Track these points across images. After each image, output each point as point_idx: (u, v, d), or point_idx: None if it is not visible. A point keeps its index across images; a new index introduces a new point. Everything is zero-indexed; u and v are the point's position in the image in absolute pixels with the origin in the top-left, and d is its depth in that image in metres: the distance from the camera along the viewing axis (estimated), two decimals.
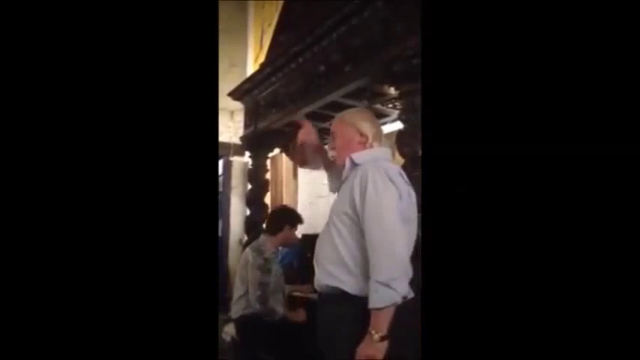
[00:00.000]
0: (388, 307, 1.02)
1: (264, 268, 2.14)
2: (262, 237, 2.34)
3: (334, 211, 1.22)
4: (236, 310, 2.23)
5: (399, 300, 1.02)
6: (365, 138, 1.28)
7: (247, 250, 2.28)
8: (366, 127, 1.29)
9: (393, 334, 1.05)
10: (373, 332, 1.03)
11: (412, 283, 1.09)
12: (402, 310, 1.06)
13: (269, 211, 2.97)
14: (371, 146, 1.28)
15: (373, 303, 1.03)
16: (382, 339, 1.03)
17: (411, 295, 1.06)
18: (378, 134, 1.31)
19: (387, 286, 1.01)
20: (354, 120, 1.32)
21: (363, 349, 1.04)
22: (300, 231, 2.47)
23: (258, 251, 2.20)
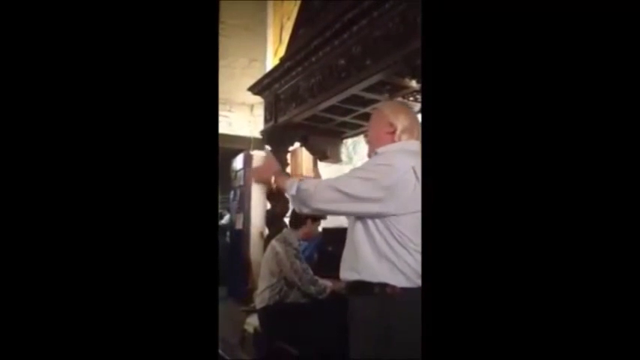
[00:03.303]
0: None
1: (299, 256, 2.27)
2: (286, 230, 2.43)
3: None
4: (261, 300, 2.28)
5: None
6: (393, 128, 1.28)
7: (274, 243, 2.33)
8: (398, 119, 1.29)
9: (393, 335, 1.10)
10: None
11: None
12: (401, 310, 1.10)
13: (289, 204, 3.00)
14: (399, 139, 1.27)
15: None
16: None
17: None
18: (411, 128, 1.29)
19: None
20: (389, 111, 1.34)
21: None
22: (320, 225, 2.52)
23: (287, 242, 2.29)
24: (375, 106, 1.48)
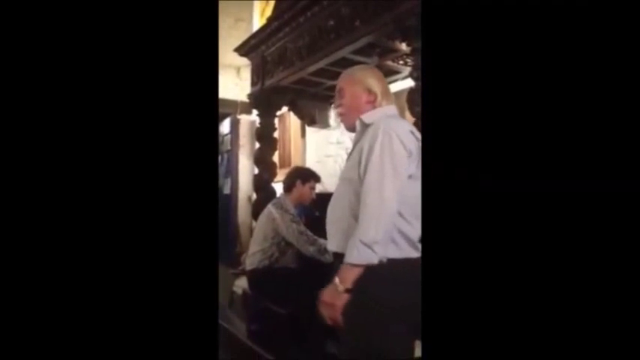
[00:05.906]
0: (362, 265, 1.05)
1: (295, 220, 2.26)
2: (282, 195, 2.44)
3: (346, 175, 1.20)
4: (251, 262, 2.31)
5: (375, 262, 1.04)
6: (374, 96, 1.24)
7: (270, 207, 2.34)
8: (375, 85, 1.25)
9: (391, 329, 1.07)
10: (339, 283, 1.07)
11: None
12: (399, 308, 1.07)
13: (277, 169, 3.01)
14: (380, 105, 1.24)
15: (351, 259, 1.05)
16: (346, 291, 1.06)
17: (385, 258, 1.05)
18: (387, 92, 1.27)
19: (369, 247, 1.03)
20: (363, 77, 1.27)
21: (326, 295, 1.10)
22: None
23: (283, 209, 2.29)
24: (345, 72, 1.33)
